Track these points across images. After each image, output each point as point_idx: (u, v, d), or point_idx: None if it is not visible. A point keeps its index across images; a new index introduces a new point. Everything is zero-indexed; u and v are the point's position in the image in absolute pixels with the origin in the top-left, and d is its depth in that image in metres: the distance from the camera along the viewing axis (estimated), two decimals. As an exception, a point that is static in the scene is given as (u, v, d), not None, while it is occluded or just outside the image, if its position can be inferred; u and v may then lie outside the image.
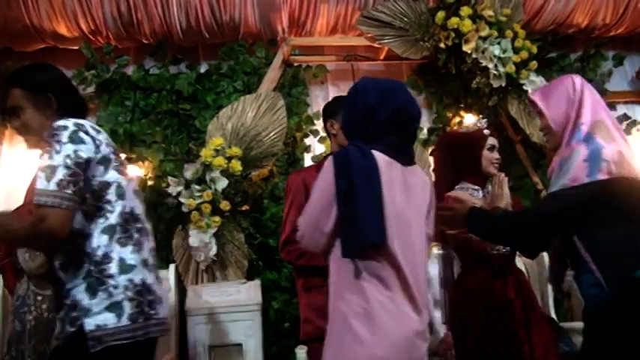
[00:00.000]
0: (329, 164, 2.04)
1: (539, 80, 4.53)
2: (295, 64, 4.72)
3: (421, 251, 2.10)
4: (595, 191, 2.06)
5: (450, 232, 2.55)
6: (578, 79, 2.30)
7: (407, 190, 2.09)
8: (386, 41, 4.52)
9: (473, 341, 2.75)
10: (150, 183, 4.41)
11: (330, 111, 2.92)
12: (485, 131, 2.99)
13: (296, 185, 2.86)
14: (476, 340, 2.74)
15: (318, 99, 4.83)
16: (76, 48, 4.61)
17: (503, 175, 2.93)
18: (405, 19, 4.52)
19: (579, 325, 3.73)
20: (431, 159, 4.66)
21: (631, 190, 2.10)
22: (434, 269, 3.97)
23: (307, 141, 4.67)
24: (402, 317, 1.98)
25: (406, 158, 2.13)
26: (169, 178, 4.10)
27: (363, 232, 1.94)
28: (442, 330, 3.65)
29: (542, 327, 2.85)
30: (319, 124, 4.67)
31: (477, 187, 2.95)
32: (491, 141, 2.98)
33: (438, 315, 3.67)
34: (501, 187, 2.85)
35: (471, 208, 2.35)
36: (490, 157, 2.96)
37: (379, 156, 2.03)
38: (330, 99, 4.80)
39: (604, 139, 2.13)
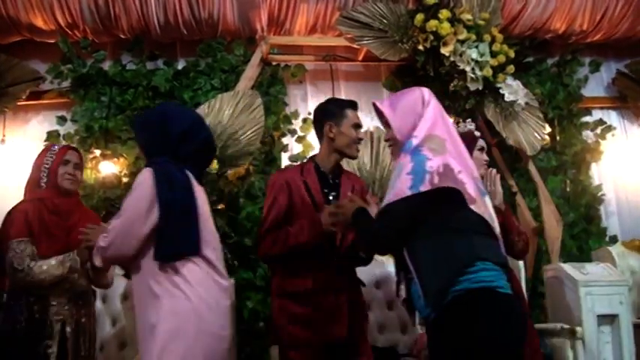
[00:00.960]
0: (146, 176, 2.28)
1: (516, 84, 4.57)
2: (274, 63, 4.71)
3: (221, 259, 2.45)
4: (416, 203, 2.03)
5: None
6: (427, 93, 2.28)
7: (205, 205, 2.43)
8: (365, 42, 4.52)
9: None
10: (125, 180, 4.36)
11: (330, 113, 2.88)
12: (476, 133, 3.05)
13: (279, 185, 2.83)
14: None
15: (296, 98, 4.82)
16: (53, 41, 4.55)
17: (495, 171, 2.97)
18: (384, 21, 4.53)
19: (552, 326, 3.82)
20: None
21: (451, 201, 2.07)
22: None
23: (284, 140, 4.65)
24: (220, 310, 2.28)
25: (200, 178, 2.48)
26: (144, 175, 4.06)
27: (181, 242, 2.24)
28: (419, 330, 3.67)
29: (530, 327, 2.89)
30: (297, 124, 4.67)
31: None
32: (481, 142, 3.07)
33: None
34: (494, 184, 2.90)
35: (357, 209, 2.32)
36: (480, 158, 3.04)
37: (190, 175, 2.36)
38: (319, 99, 4.79)
39: (432, 151, 2.10)
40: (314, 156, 2.97)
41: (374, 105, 2.41)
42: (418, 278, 2.06)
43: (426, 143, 2.12)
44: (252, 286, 4.26)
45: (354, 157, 2.95)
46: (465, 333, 1.91)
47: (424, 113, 2.21)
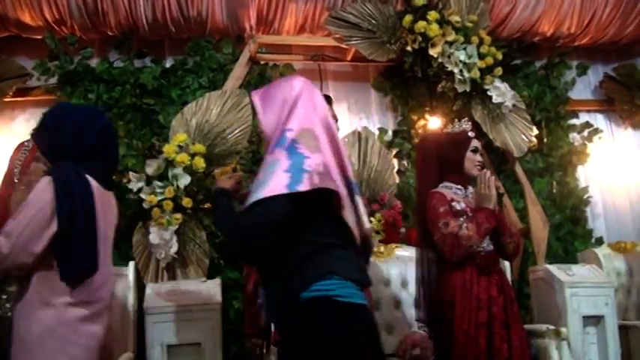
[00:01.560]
0: (46, 185, 2.20)
1: (504, 86, 4.60)
2: (262, 62, 4.69)
3: (110, 266, 2.46)
4: (293, 203, 1.88)
5: None
6: (299, 83, 2.10)
7: (106, 211, 2.37)
8: (353, 42, 4.52)
9: (459, 336, 2.76)
10: (111, 178, 4.33)
11: None
12: (470, 133, 3.03)
13: None
14: (461, 335, 2.75)
15: (285, 98, 4.80)
16: (40, 37, 4.51)
17: (489, 173, 2.93)
18: (373, 21, 4.54)
19: (538, 327, 3.84)
20: (395, 161, 4.70)
21: (323, 206, 1.97)
22: (394, 270, 4.00)
23: (272, 140, 4.63)
24: (93, 332, 2.26)
25: (107, 183, 2.41)
26: (130, 173, 4.03)
27: (81, 259, 2.21)
28: (415, 327, 3.67)
29: (520, 326, 2.89)
30: (285, 124, 4.66)
31: (460, 186, 2.99)
32: (475, 143, 3.04)
33: (408, 314, 3.69)
34: (488, 187, 2.87)
35: (218, 189, 2.18)
36: (473, 159, 3.00)
37: (92, 181, 2.28)
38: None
39: (309, 148, 1.95)
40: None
41: (249, 96, 2.29)
42: (268, 285, 2.02)
43: (302, 139, 1.96)
44: (239, 286, 4.23)
45: None
46: (304, 342, 1.87)
47: (296, 105, 2.04)
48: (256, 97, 2.15)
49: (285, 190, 1.86)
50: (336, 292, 1.90)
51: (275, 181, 1.88)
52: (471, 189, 3.06)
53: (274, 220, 1.88)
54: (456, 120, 3.36)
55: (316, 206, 1.95)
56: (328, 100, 2.87)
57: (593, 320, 4.00)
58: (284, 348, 1.97)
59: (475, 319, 2.78)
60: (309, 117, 2.04)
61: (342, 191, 1.99)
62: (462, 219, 2.86)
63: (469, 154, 3.02)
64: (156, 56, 4.70)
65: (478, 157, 3.04)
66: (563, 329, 3.75)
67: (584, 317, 3.95)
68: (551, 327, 3.75)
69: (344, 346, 1.84)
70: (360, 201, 2.09)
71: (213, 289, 3.79)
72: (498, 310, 2.83)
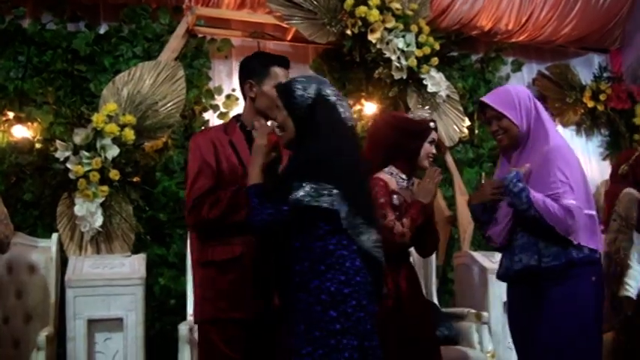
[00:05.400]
0: None
1: (439, 76, 4.66)
2: (199, 35, 4.59)
3: None
4: None
5: None
6: None
7: None
8: (294, 22, 4.49)
9: None
10: (37, 146, 4.17)
11: (252, 69, 2.60)
12: (431, 124, 2.91)
13: (206, 146, 2.54)
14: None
15: (221, 74, 4.72)
16: (-30, -7, 4.30)
17: (439, 170, 2.89)
18: (315, 2, 4.52)
19: (460, 310, 3.95)
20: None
21: None
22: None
23: (206, 115, 4.54)
24: None
25: None
26: (57, 141, 3.90)
27: None
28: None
29: (427, 315, 2.91)
30: (220, 99, 4.60)
31: (404, 175, 2.88)
32: (434, 135, 2.91)
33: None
34: (433, 182, 2.79)
35: None
36: (429, 151, 2.87)
37: None
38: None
39: None
40: (238, 115, 2.72)
41: None
42: None
43: None
44: (165, 263, 4.19)
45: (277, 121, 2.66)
46: None
47: None
48: None
49: None
50: None
51: None
52: (414, 180, 3.00)
53: None
54: (419, 106, 3.25)
55: None
56: (285, 62, 2.64)
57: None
58: None
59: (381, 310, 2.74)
60: None
61: None
62: (397, 214, 2.81)
63: (426, 145, 2.88)
64: (90, 21, 4.52)
65: (433, 150, 2.92)
66: (484, 313, 3.87)
67: (505, 302, 4.07)
68: (472, 310, 3.86)
69: None
70: None
71: (137, 263, 3.73)
72: (406, 302, 2.81)
